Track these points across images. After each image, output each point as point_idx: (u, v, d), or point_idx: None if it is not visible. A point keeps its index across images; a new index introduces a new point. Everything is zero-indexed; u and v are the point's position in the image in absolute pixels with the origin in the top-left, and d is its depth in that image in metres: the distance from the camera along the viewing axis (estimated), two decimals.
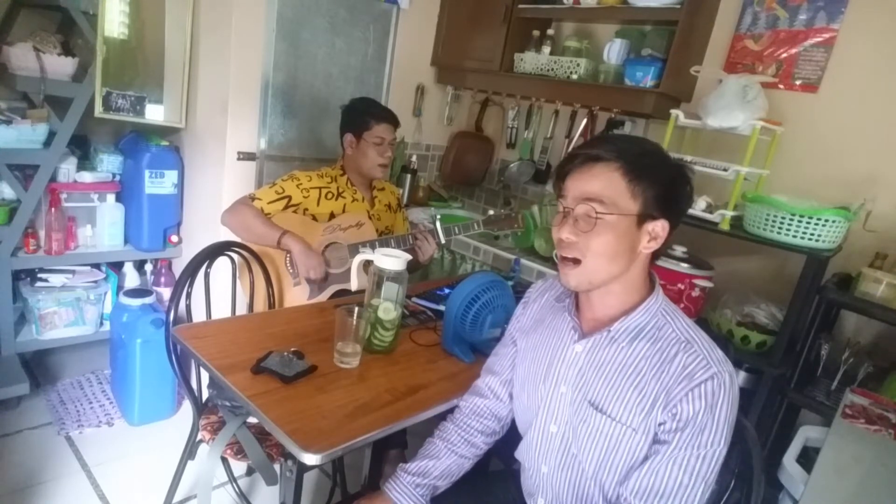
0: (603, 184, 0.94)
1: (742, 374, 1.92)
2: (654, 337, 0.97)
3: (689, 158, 1.93)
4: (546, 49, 2.49)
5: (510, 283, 1.77)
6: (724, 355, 0.95)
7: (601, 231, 0.94)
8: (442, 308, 1.65)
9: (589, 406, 0.99)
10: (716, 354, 0.94)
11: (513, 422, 1.22)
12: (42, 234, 2.26)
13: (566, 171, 0.99)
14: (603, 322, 1.02)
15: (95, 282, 2.42)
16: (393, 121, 1.95)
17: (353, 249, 1.84)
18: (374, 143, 1.91)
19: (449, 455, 1.16)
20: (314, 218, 1.90)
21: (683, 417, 0.90)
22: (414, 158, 2.90)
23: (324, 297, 1.88)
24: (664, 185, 0.95)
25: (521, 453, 1.14)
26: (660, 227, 0.96)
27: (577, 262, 0.97)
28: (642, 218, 0.95)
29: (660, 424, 0.93)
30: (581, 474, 1.02)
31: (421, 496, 1.11)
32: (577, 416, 1.01)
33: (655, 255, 1.01)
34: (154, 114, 2.37)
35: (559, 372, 1.05)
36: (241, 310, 1.88)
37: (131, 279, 2.56)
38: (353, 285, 1.63)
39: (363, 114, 1.92)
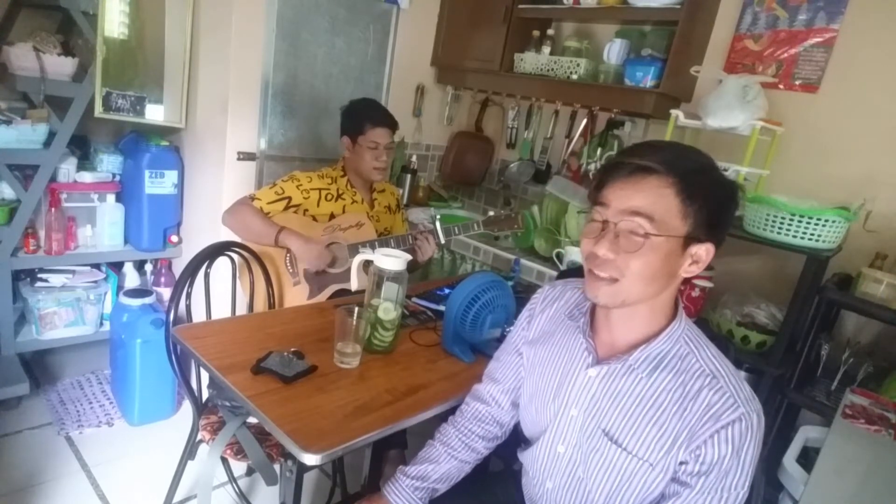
0: (654, 199, 0.84)
1: (742, 375, 1.91)
2: (677, 368, 0.91)
3: None
4: (546, 49, 2.49)
5: (510, 283, 1.77)
6: (752, 391, 0.90)
7: (645, 252, 0.85)
8: (442, 308, 1.65)
9: (603, 435, 0.95)
10: (744, 392, 0.88)
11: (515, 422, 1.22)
12: (42, 234, 2.26)
13: (607, 179, 0.89)
14: (620, 347, 0.96)
15: (95, 282, 2.42)
16: (390, 125, 1.93)
17: (353, 249, 1.84)
18: (369, 147, 1.90)
19: (449, 460, 1.14)
20: (314, 219, 1.90)
21: (708, 461, 0.86)
22: (414, 158, 2.90)
23: (324, 297, 1.88)
24: (716, 208, 0.87)
25: (526, 459, 1.12)
26: (704, 251, 0.88)
27: (613, 280, 0.88)
28: (689, 240, 0.87)
29: (681, 463, 0.89)
30: (586, 497, 0.99)
31: (420, 499, 1.10)
32: (589, 444, 0.97)
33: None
34: (154, 114, 2.37)
35: (570, 394, 1.00)
36: (241, 310, 1.88)
37: (131, 279, 2.56)
38: (353, 285, 1.63)
39: (360, 117, 1.91)
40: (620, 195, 0.87)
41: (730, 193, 0.88)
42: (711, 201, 0.86)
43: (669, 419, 0.89)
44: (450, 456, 1.15)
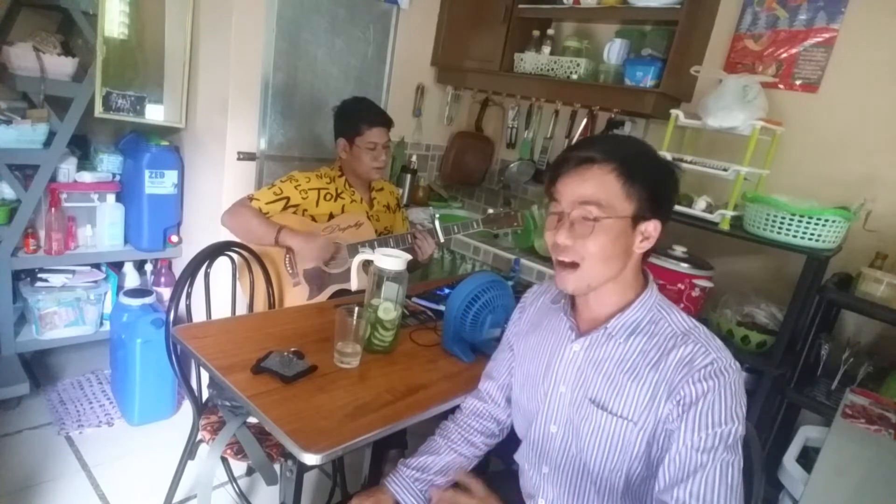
0: (598, 186, 0.93)
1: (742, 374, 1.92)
2: (650, 332, 0.97)
3: (689, 158, 1.94)
4: (546, 49, 2.49)
5: (510, 283, 1.77)
6: (722, 344, 0.96)
7: (598, 234, 0.93)
8: (442, 308, 1.65)
9: (590, 404, 0.99)
10: (714, 343, 0.94)
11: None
12: (42, 234, 2.26)
13: (558, 174, 0.98)
14: (599, 320, 1.02)
15: (95, 282, 2.42)
16: (385, 123, 1.93)
17: (353, 249, 1.84)
18: (367, 148, 1.90)
19: (448, 452, 1.17)
20: (313, 219, 1.90)
21: (688, 400, 0.90)
22: (414, 158, 2.90)
23: (324, 297, 1.88)
24: (656, 186, 0.95)
25: (521, 455, 1.14)
26: (652, 227, 0.97)
27: (574, 265, 0.96)
28: (636, 219, 0.95)
29: (667, 416, 0.92)
30: (582, 473, 1.02)
31: (420, 491, 1.12)
32: (579, 415, 1.01)
33: (647, 253, 1.01)
34: (154, 114, 2.37)
35: (558, 372, 1.05)
36: (241, 310, 1.88)
37: (131, 279, 2.56)
38: (353, 285, 1.63)
39: (354, 118, 1.90)
40: (569, 187, 0.96)
41: (667, 172, 0.98)
42: (651, 182, 0.95)
43: (647, 374, 0.95)
44: (449, 448, 1.18)
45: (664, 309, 1.00)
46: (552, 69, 2.43)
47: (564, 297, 1.09)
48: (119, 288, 2.50)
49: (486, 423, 1.22)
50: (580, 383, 1.01)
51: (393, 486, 1.12)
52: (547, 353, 1.08)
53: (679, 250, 1.96)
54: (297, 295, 1.87)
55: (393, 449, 1.82)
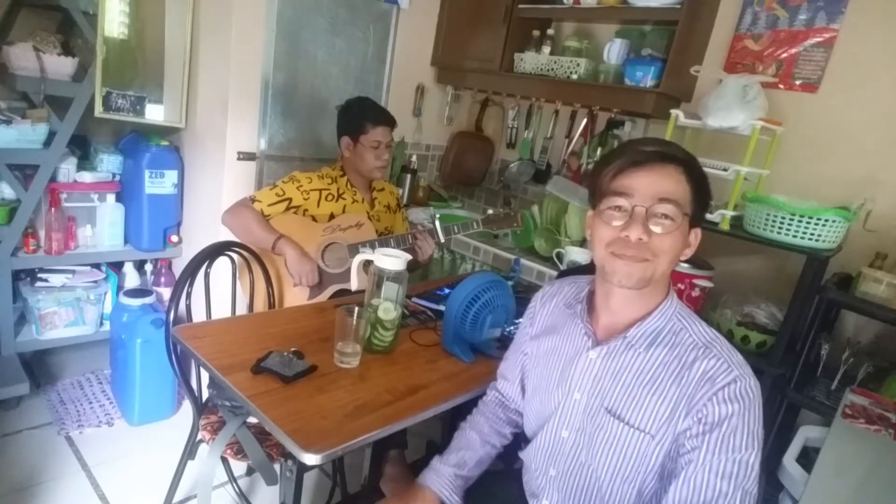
0: (676, 185, 0.92)
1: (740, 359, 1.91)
2: (671, 343, 0.96)
3: None
4: (546, 49, 2.49)
5: (510, 283, 1.77)
6: (743, 359, 0.94)
7: (676, 233, 0.92)
8: (442, 308, 1.65)
9: (606, 413, 0.98)
10: (736, 358, 0.92)
11: None
12: (42, 234, 2.26)
13: (625, 168, 0.94)
14: (618, 328, 1.00)
15: (95, 282, 2.42)
16: (389, 123, 1.94)
17: (353, 249, 1.84)
18: (371, 146, 1.91)
19: (483, 445, 1.19)
20: (314, 219, 1.90)
21: (710, 421, 0.88)
22: (414, 158, 2.90)
23: (324, 297, 1.88)
24: (705, 194, 0.96)
25: (528, 454, 1.14)
26: (694, 236, 0.98)
27: (644, 260, 0.93)
28: (692, 224, 0.96)
29: (685, 431, 0.90)
30: (590, 480, 1.01)
31: (459, 487, 1.13)
32: (593, 423, 0.99)
33: None
34: (154, 114, 2.37)
35: (573, 378, 1.03)
36: (241, 310, 1.88)
37: (131, 279, 2.56)
38: (353, 285, 1.63)
39: (359, 117, 1.91)
40: (647, 181, 0.92)
41: (708, 183, 0.97)
42: (704, 189, 0.96)
43: (668, 388, 0.93)
44: (483, 441, 1.19)
45: (685, 319, 0.98)
46: (552, 69, 2.44)
47: (580, 302, 1.07)
48: (119, 288, 2.50)
49: (511, 414, 1.24)
50: (596, 392, 1.00)
51: (435, 485, 1.12)
52: (562, 358, 1.07)
53: None
54: (297, 295, 1.87)
55: (393, 449, 1.82)
